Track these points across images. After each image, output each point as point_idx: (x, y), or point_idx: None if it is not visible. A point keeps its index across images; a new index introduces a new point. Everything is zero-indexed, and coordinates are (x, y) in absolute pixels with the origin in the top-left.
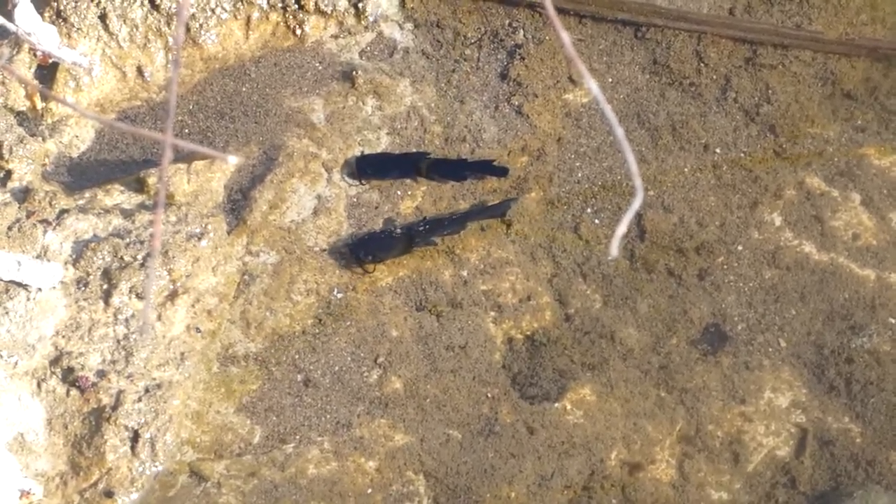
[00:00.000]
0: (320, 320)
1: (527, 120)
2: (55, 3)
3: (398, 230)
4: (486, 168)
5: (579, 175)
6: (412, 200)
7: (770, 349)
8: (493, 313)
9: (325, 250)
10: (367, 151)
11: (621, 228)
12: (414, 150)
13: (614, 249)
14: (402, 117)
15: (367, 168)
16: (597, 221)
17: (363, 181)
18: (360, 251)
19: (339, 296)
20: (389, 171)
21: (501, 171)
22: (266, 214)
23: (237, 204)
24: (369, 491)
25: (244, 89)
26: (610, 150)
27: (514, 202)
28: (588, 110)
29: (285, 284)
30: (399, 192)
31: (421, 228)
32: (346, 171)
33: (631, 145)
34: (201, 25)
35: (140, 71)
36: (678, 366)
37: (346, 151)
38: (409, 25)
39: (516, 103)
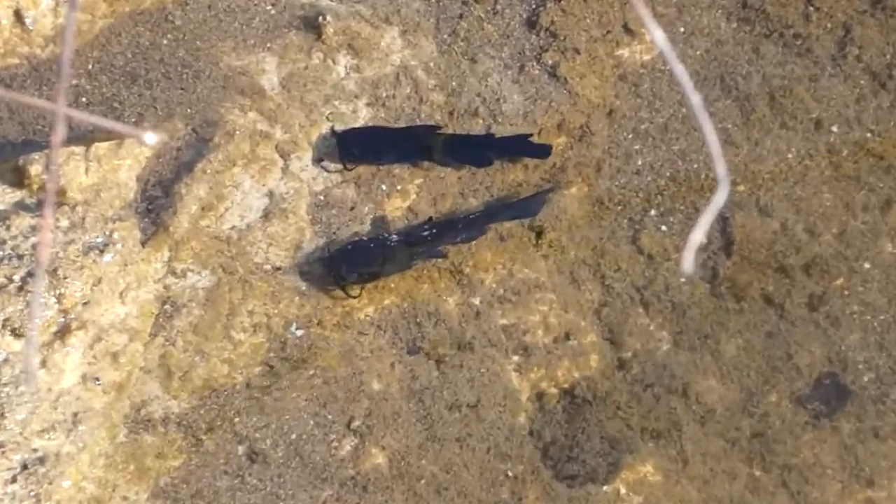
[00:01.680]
0: (272, 368)
1: (565, 85)
2: None
3: (393, 237)
4: (520, 146)
5: (639, 163)
6: (402, 198)
7: None
8: (516, 358)
9: (279, 269)
10: (338, 127)
11: (697, 238)
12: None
13: (688, 267)
14: (388, 82)
15: (354, 147)
16: (664, 228)
17: (349, 166)
18: (341, 266)
19: (299, 333)
20: (385, 152)
21: (541, 151)
22: (196, 218)
23: (155, 203)
24: None
25: (165, 42)
26: (682, 128)
27: (550, 195)
28: (651, 72)
29: (223, 317)
30: (384, 187)
31: (424, 234)
32: (318, 152)
33: (712, 121)
34: None
35: (19, 16)
36: (779, 433)
37: (310, 130)
38: None
39: (550, 62)
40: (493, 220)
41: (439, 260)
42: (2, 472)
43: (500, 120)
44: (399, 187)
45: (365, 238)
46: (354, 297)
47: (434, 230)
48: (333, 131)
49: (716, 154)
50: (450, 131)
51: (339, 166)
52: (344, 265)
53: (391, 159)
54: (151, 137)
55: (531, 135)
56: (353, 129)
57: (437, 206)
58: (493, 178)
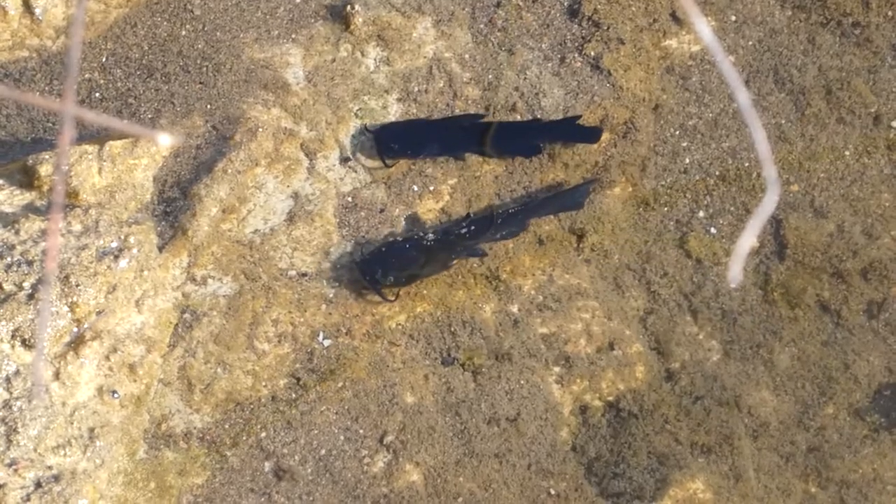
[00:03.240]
0: (298, 380)
1: (608, 78)
2: None
3: (429, 236)
4: (569, 130)
5: (686, 161)
6: (435, 200)
7: None
8: (557, 369)
9: (304, 275)
10: (370, 125)
11: (748, 241)
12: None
13: (738, 272)
14: (420, 75)
15: (394, 142)
16: (713, 231)
17: (389, 162)
18: (377, 270)
19: (327, 343)
20: (425, 146)
21: (591, 135)
22: (217, 222)
23: (173, 206)
24: None
25: (184, 33)
26: (732, 124)
27: (593, 185)
28: (700, 64)
29: (245, 327)
30: (415, 188)
31: (462, 232)
32: (347, 151)
33: (764, 116)
34: None
35: (28, 6)
36: (837, 447)
37: (337, 127)
38: None
39: (592, 54)
40: (534, 214)
41: (477, 261)
42: (15, 491)
43: (538, 115)
44: (432, 188)
45: (399, 238)
46: (392, 301)
47: (472, 227)
48: (367, 129)
49: (766, 152)
50: (491, 119)
51: (373, 163)
52: (380, 268)
53: (433, 152)
54: (166, 139)
55: (580, 117)
56: (392, 123)
57: (472, 208)
58: (531, 178)
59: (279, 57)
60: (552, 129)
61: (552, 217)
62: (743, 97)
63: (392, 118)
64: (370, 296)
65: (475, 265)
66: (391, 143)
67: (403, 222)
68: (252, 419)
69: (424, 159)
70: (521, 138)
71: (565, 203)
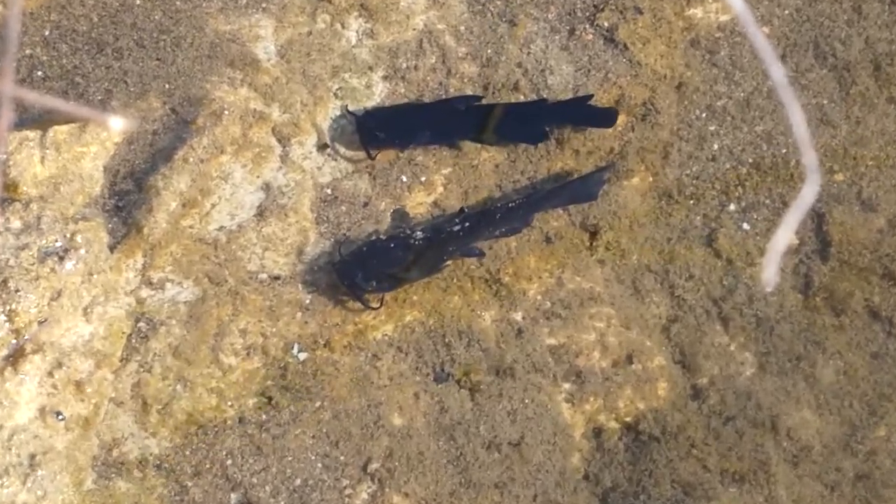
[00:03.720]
0: (270, 400)
1: (624, 53)
2: None
3: (417, 234)
4: (579, 112)
5: (715, 147)
6: (427, 192)
7: None
8: (567, 386)
9: (277, 278)
10: (352, 108)
11: (785, 238)
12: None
13: (774, 274)
14: (409, 50)
15: (378, 129)
16: (745, 227)
17: (372, 153)
18: (356, 272)
19: (303, 357)
20: (416, 133)
21: (604, 117)
22: (176, 218)
23: (126, 199)
24: None
25: (139, 2)
26: (768, 105)
27: (608, 174)
28: (729, 36)
29: (209, 338)
30: (404, 178)
31: (456, 229)
32: (328, 137)
33: (804, 95)
34: None
35: None
36: (889, 474)
37: (314, 109)
38: None
39: (606, 24)
40: (540, 208)
41: (474, 262)
42: None
43: (545, 96)
44: (423, 178)
45: (383, 237)
46: (375, 309)
47: (467, 224)
48: (348, 111)
49: (804, 140)
50: (489, 101)
51: (356, 151)
52: (360, 271)
53: (424, 141)
54: (118, 122)
55: (592, 97)
56: (377, 108)
57: (468, 202)
58: (536, 167)
59: (248, 29)
60: (560, 111)
61: (561, 211)
62: (779, 74)
63: (377, 98)
64: (351, 303)
65: (473, 267)
66: (376, 131)
67: (390, 218)
68: (216, 444)
69: (416, 147)
70: (525, 122)
71: (576, 194)
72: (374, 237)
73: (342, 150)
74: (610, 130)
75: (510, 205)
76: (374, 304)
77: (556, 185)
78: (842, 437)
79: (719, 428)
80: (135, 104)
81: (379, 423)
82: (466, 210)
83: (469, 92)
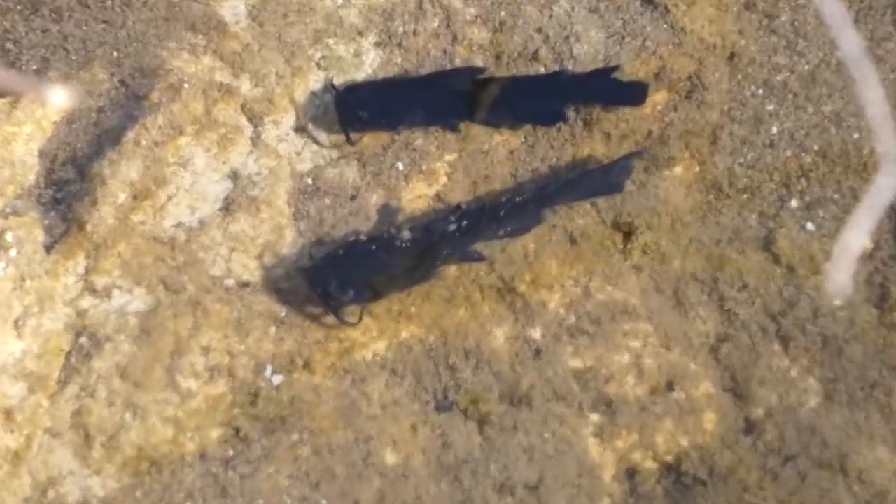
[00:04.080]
0: (238, 431)
1: (665, 16)
2: None
3: (405, 234)
4: (603, 88)
5: (774, 131)
6: (427, 182)
7: None
8: (595, 417)
9: (246, 286)
10: (336, 80)
11: (858, 241)
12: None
13: (844, 284)
14: (407, 11)
15: (361, 106)
16: (810, 227)
17: (353, 136)
18: (331, 280)
19: (277, 380)
20: (405, 113)
21: (633, 93)
22: (126, 212)
23: (66, 190)
24: None
25: None
26: (836, 80)
27: (635, 161)
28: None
29: (165, 357)
30: (401, 166)
31: (452, 228)
32: (305, 115)
33: (881, 69)
34: None
35: None
36: None
37: (292, 82)
38: None
39: None
40: (552, 202)
41: (483, 268)
42: None
43: (570, 67)
44: (423, 166)
45: (364, 237)
46: (353, 325)
47: (465, 222)
48: (333, 86)
49: (881, 122)
50: (496, 74)
51: (338, 136)
52: (335, 278)
53: (414, 121)
54: (57, 98)
55: (617, 68)
56: (358, 84)
57: (477, 194)
58: (559, 153)
59: None
60: (579, 86)
61: (588, 206)
62: (851, 43)
63: (368, 70)
64: (326, 317)
65: (482, 273)
66: (359, 109)
67: (383, 214)
68: (173, 484)
69: (407, 129)
70: (538, 99)
71: (597, 185)
72: (352, 237)
73: (324, 134)
74: (645, 109)
75: (517, 199)
76: (352, 319)
77: (574, 175)
78: None
79: (777, 469)
80: (77, 75)
81: (369, 460)
82: (464, 206)
83: (479, 63)
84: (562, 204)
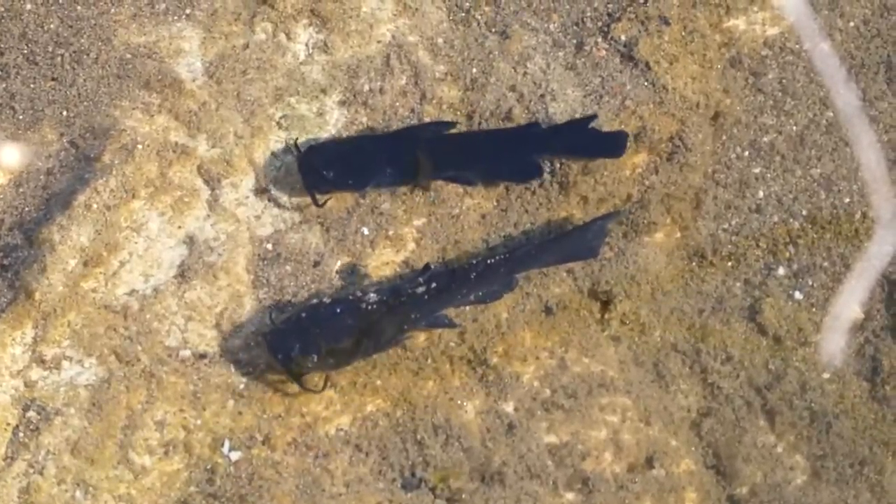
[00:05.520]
0: None
1: (646, 74)
2: None
3: (370, 296)
4: (581, 139)
5: (760, 195)
6: (395, 247)
7: None
8: (571, 497)
9: (203, 357)
10: (299, 140)
11: (849, 310)
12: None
13: (834, 356)
14: (373, 68)
15: (326, 167)
16: (798, 296)
17: (320, 198)
18: (292, 345)
19: (235, 457)
20: (373, 172)
21: (612, 144)
22: (76, 279)
23: (13, 256)
24: None
25: (30, 7)
26: (826, 142)
27: (611, 223)
28: (779, 54)
29: (117, 432)
30: (366, 231)
31: (420, 290)
32: (265, 177)
33: (874, 129)
34: None
35: None
36: None
37: (252, 143)
38: None
39: (623, 38)
40: (525, 266)
41: (454, 337)
42: None
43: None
44: (390, 231)
45: (327, 300)
46: (316, 392)
47: (433, 284)
48: (295, 146)
49: (875, 186)
50: (468, 128)
51: (300, 198)
52: (297, 343)
53: (384, 182)
54: (7, 157)
55: (594, 118)
56: (323, 143)
57: (446, 260)
58: (533, 217)
59: (167, 41)
60: (555, 137)
61: (564, 273)
62: (843, 102)
63: (331, 129)
64: (293, 387)
65: (452, 343)
66: (323, 170)
67: (347, 281)
68: None
69: (375, 189)
70: (512, 153)
71: (571, 249)
72: (315, 300)
73: (285, 196)
74: (624, 172)
75: (488, 261)
76: (315, 388)
77: (547, 239)
78: None
79: None
80: (24, 136)
81: None
82: (433, 267)
83: (449, 120)
84: (535, 268)
